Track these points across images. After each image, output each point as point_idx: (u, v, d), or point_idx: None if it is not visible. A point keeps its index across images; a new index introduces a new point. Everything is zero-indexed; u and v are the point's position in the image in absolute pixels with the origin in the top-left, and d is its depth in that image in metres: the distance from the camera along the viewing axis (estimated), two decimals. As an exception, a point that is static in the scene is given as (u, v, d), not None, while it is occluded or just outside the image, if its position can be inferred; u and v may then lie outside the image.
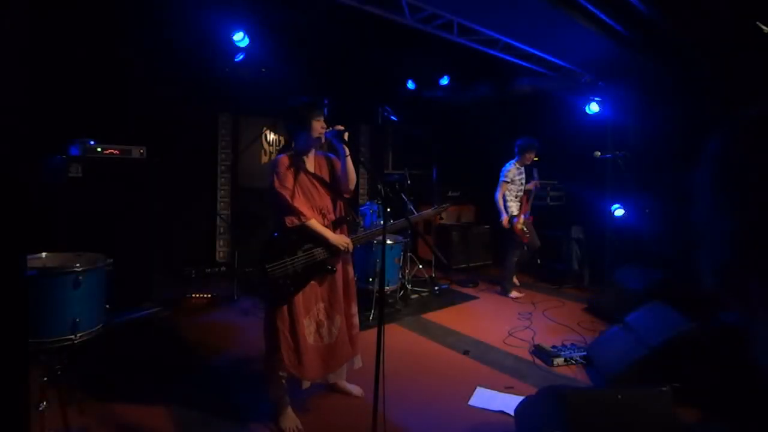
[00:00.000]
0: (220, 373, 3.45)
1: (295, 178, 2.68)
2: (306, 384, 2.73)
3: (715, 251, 0.54)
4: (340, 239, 2.69)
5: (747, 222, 0.50)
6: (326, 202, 2.77)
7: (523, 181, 5.22)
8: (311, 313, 2.72)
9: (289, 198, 2.60)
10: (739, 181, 0.53)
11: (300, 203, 2.63)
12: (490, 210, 5.29)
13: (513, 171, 5.12)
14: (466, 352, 3.86)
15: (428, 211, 3.38)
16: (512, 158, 5.26)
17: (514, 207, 5.14)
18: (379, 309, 2.50)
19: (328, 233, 2.68)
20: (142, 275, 4.35)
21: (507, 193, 5.13)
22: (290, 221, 2.60)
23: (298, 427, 2.67)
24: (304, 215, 2.60)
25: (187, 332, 4.26)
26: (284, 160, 2.70)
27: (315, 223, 2.65)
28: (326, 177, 2.82)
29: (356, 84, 6.31)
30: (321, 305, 2.77)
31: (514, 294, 5.37)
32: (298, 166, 2.72)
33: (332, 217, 2.79)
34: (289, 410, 2.73)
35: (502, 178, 5.13)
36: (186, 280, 5.69)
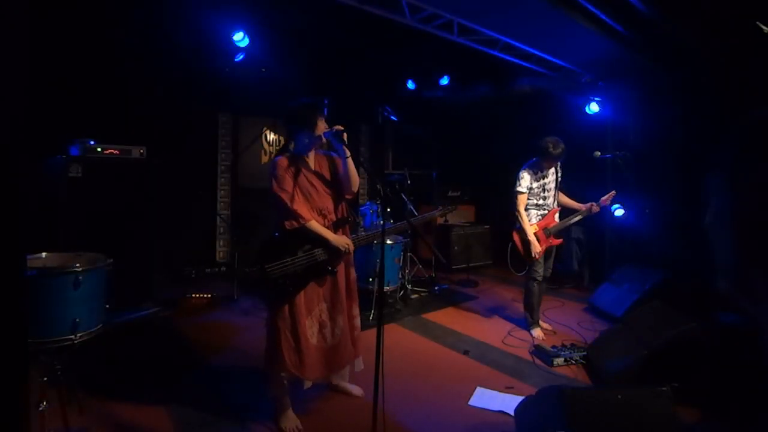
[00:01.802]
0: (220, 373, 3.45)
1: (295, 179, 2.66)
2: (308, 384, 2.74)
3: (726, 251, 0.54)
4: (340, 240, 2.69)
5: (755, 221, 0.50)
6: (326, 202, 2.76)
7: (547, 187, 4.23)
8: (313, 314, 2.71)
9: (287, 201, 2.59)
10: (748, 181, 0.53)
11: (299, 205, 2.62)
12: (489, 210, 5.19)
13: (527, 178, 4.19)
14: (466, 352, 3.86)
15: (431, 213, 3.32)
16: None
17: (534, 216, 4.22)
18: (378, 309, 2.50)
19: (329, 234, 2.67)
20: (142, 275, 4.34)
21: (527, 202, 4.23)
22: (289, 224, 2.59)
23: (298, 427, 2.67)
24: (302, 217, 2.59)
25: (187, 332, 4.26)
26: (282, 161, 2.69)
27: (315, 224, 2.64)
28: (327, 176, 2.81)
29: (356, 84, 6.31)
30: (323, 306, 2.76)
31: (536, 332, 4.25)
32: (297, 166, 2.71)
33: (333, 217, 2.78)
34: (290, 410, 2.73)
35: (516, 188, 4.21)
36: (186, 280, 5.69)
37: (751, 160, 0.53)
